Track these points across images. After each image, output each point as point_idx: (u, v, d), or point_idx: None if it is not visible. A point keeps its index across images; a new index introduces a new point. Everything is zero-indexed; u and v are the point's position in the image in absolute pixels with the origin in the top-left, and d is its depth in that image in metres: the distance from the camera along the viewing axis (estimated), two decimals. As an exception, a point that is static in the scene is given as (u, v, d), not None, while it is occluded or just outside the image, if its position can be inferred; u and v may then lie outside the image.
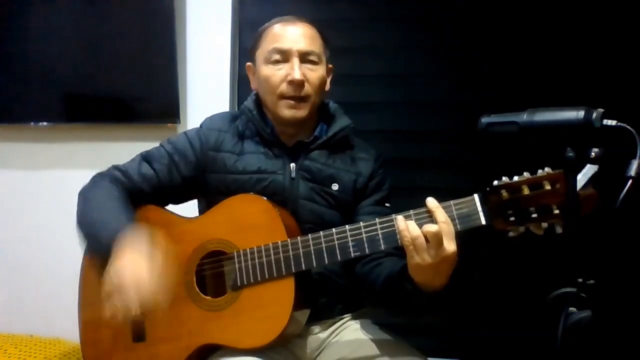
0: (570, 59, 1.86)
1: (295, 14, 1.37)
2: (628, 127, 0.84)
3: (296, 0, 2.01)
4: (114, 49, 1.97)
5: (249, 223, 1.21)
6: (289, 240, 1.16)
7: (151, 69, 1.96)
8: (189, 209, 1.40)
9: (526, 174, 1.00)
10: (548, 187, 0.96)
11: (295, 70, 1.27)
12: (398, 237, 1.07)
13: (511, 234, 1.02)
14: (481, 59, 1.94)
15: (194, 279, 1.24)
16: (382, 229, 1.10)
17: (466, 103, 1.92)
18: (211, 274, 1.25)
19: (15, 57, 1.99)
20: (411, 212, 1.07)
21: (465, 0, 1.95)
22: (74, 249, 1.35)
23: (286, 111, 1.29)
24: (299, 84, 1.27)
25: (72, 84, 2.00)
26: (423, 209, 1.06)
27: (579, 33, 1.85)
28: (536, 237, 1.01)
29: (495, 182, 1.02)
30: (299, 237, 1.16)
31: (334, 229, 1.14)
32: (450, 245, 1.01)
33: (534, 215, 0.98)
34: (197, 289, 1.23)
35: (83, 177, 1.35)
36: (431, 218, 1.04)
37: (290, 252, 1.16)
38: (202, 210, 1.39)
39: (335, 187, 1.32)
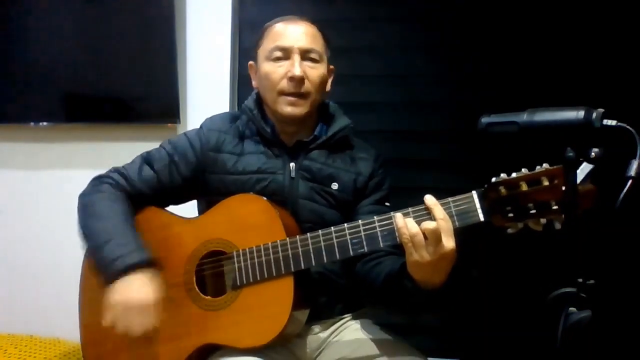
0: (570, 59, 1.86)
1: (296, 14, 1.37)
2: (628, 127, 0.84)
3: (296, 0, 2.01)
4: (114, 49, 1.97)
5: (249, 223, 1.21)
6: (288, 239, 1.16)
7: (151, 69, 1.96)
8: (189, 209, 1.40)
9: (524, 170, 1.00)
10: (546, 183, 0.97)
11: (296, 66, 1.27)
12: (397, 234, 1.07)
13: (510, 230, 1.02)
14: (481, 59, 1.94)
15: (194, 278, 1.24)
16: (380, 227, 1.10)
17: (466, 103, 1.92)
18: (211, 273, 1.25)
19: (15, 57, 1.99)
20: (410, 209, 1.07)
21: (465, 0, 1.95)
22: (74, 249, 1.35)
23: (285, 108, 1.29)
24: (299, 81, 1.27)
25: (72, 84, 2.00)
26: (421, 207, 1.06)
27: (579, 33, 1.85)
28: (536, 237, 1.01)
29: (494, 179, 1.02)
30: (297, 236, 1.16)
31: (332, 228, 1.14)
32: (448, 242, 1.01)
33: (533, 212, 0.98)
34: (197, 288, 1.23)
35: (83, 177, 1.35)
36: (430, 215, 1.04)
37: (290, 251, 1.16)
38: (201, 211, 1.39)
39: (335, 186, 1.32)
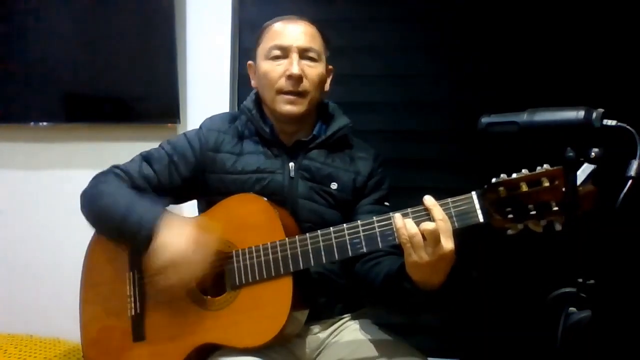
0: (570, 59, 1.86)
1: (296, 14, 1.37)
2: (628, 127, 0.84)
3: (296, 0, 2.01)
4: (114, 49, 1.97)
5: (248, 223, 1.21)
6: (287, 239, 1.16)
7: (151, 69, 1.95)
8: (189, 209, 1.40)
9: (524, 171, 1.00)
10: (547, 184, 0.96)
11: (294, 65, 1.27)
12: (396, 235, 1.07)
13: (510, 231, 1.02)
14: (481, 59, 1.94)
15: (194, 278, 1.24)
16: (379, 227, 1.10)
17: (466, 103, 1.92)
18: (210, 273, 1.25)
19: (15, 57, 1.99)
20: (409, 210, 1.07)
21: (465, 0, 1.95)
22: (74, 249, 1.36)
23: (284, 106, 1.29)
24: (297, 79, 1.28)
25: (72, 84, 2.00)
26: (421, 207, 1.06)
27: (579, 33, 1.85)
28: (536, 237, 1.01)
29: (494, 180, 1.02)
30: (297, 236, 1.16)
31: (331, 228, 1.14)
32: (447, 243, 1.01)
33: (533, 213, 0.98)
34: (196, 288, 1.23)
35: (83, 177, 1.35)
36: (429, 216, 1.04)
37: (289, 251, 1.16)
38: (201, 211, 1.39)
39: (334, 186, 1.32)
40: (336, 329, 1.33)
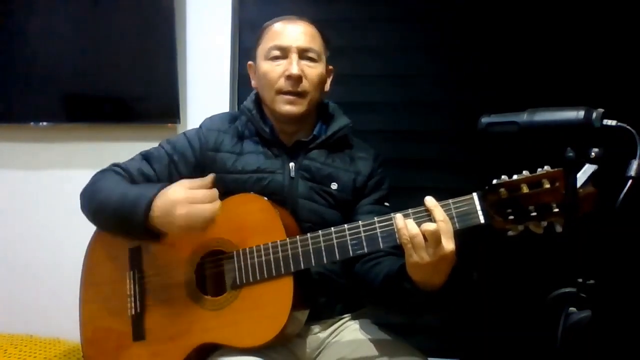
0: (570, 59, 1.86)
1: (296, 14, 1.37)
2: (628, 127, 0.84)
3: (296, 0, 2.01)
4: (114, 49, 1.96)
5: (249, 222, 1.21)
6: (287, 239, 1.16)
7: (151, 69, 1.95)
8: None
9: (525, 173, 1.00)
10: (547, 185, 0.96)
11: (293, 65, 1.27)
12: (397, 235, 1.07)
13: (510, 232, 1.02)
14: (481, 59, 1.93)
15: (194, 278, 1.24)
16: (380, 227, 1.10)
17: (466, 103, 1.92)
18: (211, 273, 1.25)
19: (16, 57, 1.99)
20: (410, 210, 1.07)
21: (465, 0, 1.95)
22: (74, 249, 1.36)
23: (283, 106, 1.29)
24: (296, 79, 1.28)
25: (72, 84, 1.99)
26: (422, 208, 1.06)
27: (579, 33, 1.85)
28: (536, 237, 1.01)
29: (495, 181, 1.02)
30: (297, 237, 1.16)
31: (332, 228, 1.14)
32: (448, 244, 1.01)
33: (533, 214, 0.98)
34: (197, 288, 1.23)
35: (83, 177, 1.35)
36: (430, 217, 1.04)
37: (289, 251, 1.16)
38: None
39: (334, 186, 1.32)
40: (336, 329, 1.33)
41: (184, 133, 1.38)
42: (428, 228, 1.02)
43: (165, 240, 1.22)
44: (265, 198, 1.23)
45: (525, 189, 0.98)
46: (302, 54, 1.30)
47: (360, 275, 1.28)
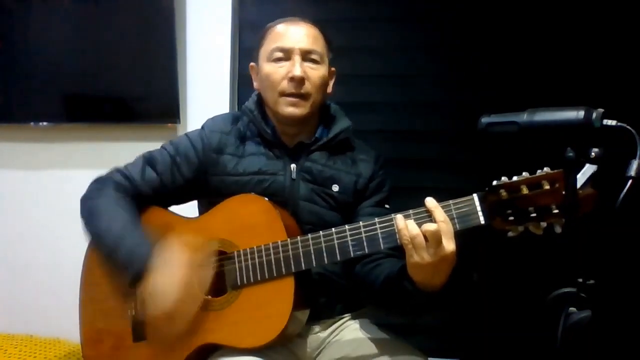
0: (570, 59, 1.86)
1: (296, 14, 1.37)
2: (628, 127, 0.84)
3: (296, 0, 2.01)
4: (114, 49, 1.96)
5: (250, 223, 1.21)
6: (288, 240, 1.16)
7: (151, 69, 1.95)
8: (190, 209, 1.40)
9: (525, 174, 1.00)
10: (547, 186, 0.96)
11: (296, 67, 1.27)
12: (397, 236, 1.07)
13: (510, 233, 1.02)
14: (481, 59, 1.94)
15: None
16: (381, 228, 1.10)
17: (466, 103, 1.92)
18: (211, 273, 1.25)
19: (16, 57, 1.99)
20: (410, 211, 1.07)
21: (465, 0, 1.95)
22: (74, 249, 1.35)
23: (286, 108, 1.29)
24: (299, 81, 1.27)
25: (72, 84, 2.00)
26: (422, 209, 1.06)
27: (579, 33, 1.85)
28: (535, 237, 1.01)
29: (495, 182, 1.02)
30: (298, 237, 1.16)
31: (333, 229, 1.14)
32: (449, 245, 1.01)
33: (533, 215, 0.98)
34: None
35: (83, 177, 1.35)
36: (430, 217, 1.04)
37: (290, 252, 1.16)
38: (202, 211, 1.39)
39: (335, 188, 1.32)
40: (336, 329, 1.33)
41: (186, 134, 1.38)
42: (429, 228, 1.02)
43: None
44: (266, 199, 1.23)
45: (525, 190, 0.98)
46: (305, 55, 1.29)
47: (360, 277, 1.28)
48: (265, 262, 1.17)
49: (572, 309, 0.82)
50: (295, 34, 1.30)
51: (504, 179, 1.01)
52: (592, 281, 0.82)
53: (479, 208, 1.03)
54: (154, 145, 1.39)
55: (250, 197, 1.25)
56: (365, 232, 1.11)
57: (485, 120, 0.96)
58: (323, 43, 1.33)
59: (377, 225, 1.10)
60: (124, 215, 1.26)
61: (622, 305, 1.67)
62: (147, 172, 1.32)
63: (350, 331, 1.32)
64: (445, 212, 1.04)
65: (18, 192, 2.08)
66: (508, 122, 0.93)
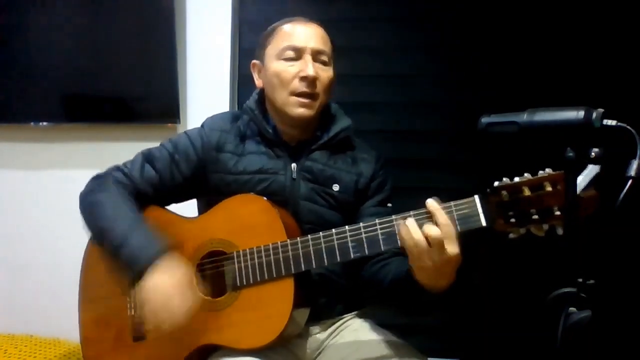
0: (570, 59, 1.86)
1: (296, 14, 1.37)
2: (628, 127, 0.84)
3: (296, 0, 2.01)
4: (114, 49, 1.97)
5: (249, 223, 1.21)
6: (288, 240, 1.16)
7: (151, 69, 1.96)
8: (190, 208, 1.40)
9: (527, 175, 0.99)
10: (549, 188, 0.96)
11: (309, 66, 1.27)
12: (398, 238, 1.07)
13: (511, 235, 1.01)
14: (481, 59, 1.94)
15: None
16: (382, 229, 1.09)
17: (466, 103, 1.92)
18: (211, 273, 1.25)
19: (16, 57, 1.99)
20: (411, 213, 1.07)
21: (465, 0, 1.95)
22: (74, 249, 1.35)
23: (296, 109, 1.28)
24: (312, 81, 1.27)
25: (72, 84, 2.00)
26: (423, 210, 1.05)
27: (579, 33, 1.85)
28: (536, 238, 1.00)
29: (496, 183, 1.01)
30: (298, 238, 1.16)
31: (333, 230, 1.13)
32: (452, 248, 1.01)
33: (535, 217, 0.97)
34: (197, 288, 1.23)
35: (83, 177, 1.35)
36: (431, 219, 1.04)
37: (290, 253, 1.15)
38: (201, 210, 1.39)
39: (336, 187, 1.32)
40: (336, 329, 1.33)
41: (186, 132, 1.37)
42: (431, 233, 1.01)
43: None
44: (265, 198, 1.23)
45: (527, 192, 0.97)
46: (316, 56, 1.29)
47: (368, 277, 1.28)
48: (264, 263, 1.17)
49: (572, 309, 0.81)
50: (307, 33, 1.30)
51: (505, 180, 1.00)
52: (592, 281, 0.82)
53: (480, 210, 1.02)
54: (154, 145, 1.39)
55: (249, 197, 1.25)
56: (366, 233, 1.11)
57: (485, 120, 0.96)
58: (330, 45, 1.33)
59: (378, 227, 1.10)
60: (128, 211, 1.26)
61: (622, 305, 1.67)
62: (146, 170, 1.32)
63: (350, 331, 1.32)
64: (446, 213, 1.03)
65: (18, 192, 2.08)
66: (508, 122, 0.92)
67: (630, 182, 0.81)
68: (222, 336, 1.19)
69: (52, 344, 1.87)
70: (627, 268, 1.71)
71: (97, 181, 1.33)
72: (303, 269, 1.15)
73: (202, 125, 1.38)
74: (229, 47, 1.99)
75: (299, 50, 1.28)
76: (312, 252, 1.14)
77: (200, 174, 1.32)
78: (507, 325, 1.84)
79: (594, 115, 0.85)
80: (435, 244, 1.01)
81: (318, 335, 1.31)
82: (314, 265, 1.15)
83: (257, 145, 1.33)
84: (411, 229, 1.03)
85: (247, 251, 1.19)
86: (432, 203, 1.04)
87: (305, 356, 1.30)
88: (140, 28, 1.96)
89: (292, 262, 1.15)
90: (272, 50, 1.32)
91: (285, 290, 1.15)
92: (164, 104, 1.96)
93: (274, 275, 1.16)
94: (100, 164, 1.38)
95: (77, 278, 1.35)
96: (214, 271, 1.24)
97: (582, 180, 0.89)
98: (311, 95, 1.28)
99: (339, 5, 2.01)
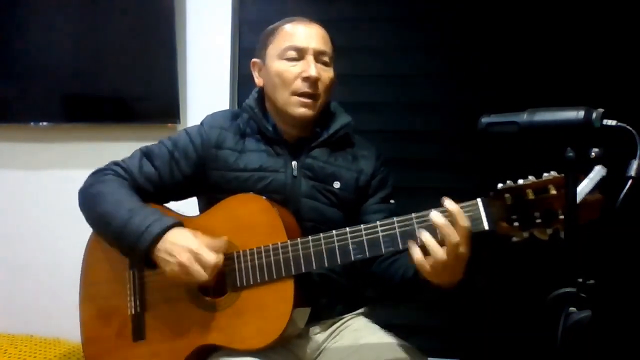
0: (570, 59, 1.86)
1: (296, 14, 1.37)
2: (628, 127, 0.83)
3: (296, 0, 2.01)
4: (114, 49, 1.97)
5: (249, 223, 1.21)
6: (288, 241, 1.16)
7: (151, 69, 1.96)
8: (190, 207, 1.40)
9: (531, 178, 0.98)
10: (554, 191, 0.95)
11: (312, 67, 1.27)
12: (399, 240, 1.07)
13: (515, 238, 1.00)
14: (481, 59, 1.94)
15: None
16: (382, 231, 1.09)
17: (466, 103, 1.92)
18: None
19: (16, 57, 1.99)
20: (413, 215, 1.07)
21: (465, 0, 1.95)
22: (74, 249, 1.36)
23: (298, 109, 1.29)
24: (314, 81, 1.27)
25: (72, 84, 2.00)
26: (422, 213, 1.05)
27: (579, 33, 1.85)
28: (536, 238, 1.00)
29: (499, 186, 1.00)
30: (299, 239, 1.16)
31: (334, 231, 1.13)
32: (464, 249, 1.01)
33: (539, 221, 0.96)
34: (197, 289, 1.23)
35: (83, 177, 1.35)
36: (429, 222, 1.03)
37: (290, 254, 1.15)
38: (202, 208, 1.39)
39: (337, 185, 1.32)
40: (336, 329, 1.33)
41: (185, 130, 1.37)
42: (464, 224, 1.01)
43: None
44: (264, 197, 1.22)
45: (530, 195, 0.96)
46: (317, 56, 1.29)
47: (378, 275, 1.27)
48: (265, 264, 1.17)
49: (572, 309, 0.81)
50: (309, 33, 1.30)
51: (509, 182, 0.99)
52: (592, 281, 0.82)
53: (483, 213, 1.01)
54: (154, 145, 1.39)
55: (249, 196, 1.24)
56: (366, 234, 1.10)
57: (485, 120, 0.95)
58: (331, 45, 1.34)
59: (379, 228, 1.09)
60: (130, 195, 1.27)
61: (622, 305, 1.67)
62: (144, 166, 1.32)
63: (350, 331, 1.32)
64: (447, 217, 1.03)
65: (18, 192, 2.08)
66: (508, 122, 0.92)
67: (630, 182, 0.81)
68: (222, 337, 1.19)
69: (52, 344, 1.87)
70: (627, 268, 1.71)
71: (96, 175, 1.33)
72: (303, 270, 1.15)
73: (202, 123, 1.38)
74: (229, 47, 1.99)
75: (301, 51, 1.29)
76: (312, 253, 1.14)
77: (200, 171, 1.32)
78: (507, 325, 1.84)
79: (594, 115, 0.85)
80: (462, 238, 1.01)
81: (318, 335, 1.31)
82: (314, 267, 1.15)
83: (257, 143, 1.33)
84: (429, 243, 1.02)
85: (247, 252, 1.19)
86: (450, 202, 1.03)
87: (306, 356, 1.30)
88: (140, 28, 1.96)
89: (292, 264, 1.15)
90: (273, 49, 1.32)
91: (285, 291, 1.15)
92: (164, 104, 1.96)
93: (274, 277, 1.16)
94: (100, 164, 1.37)
95: (77, 278, 1.35)
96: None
97: (588, 183, 0.88)
98: (313, 96, 1.28)
99: (339, 5, 2.01)
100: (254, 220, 1.21)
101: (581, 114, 0.85)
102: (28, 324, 1.98)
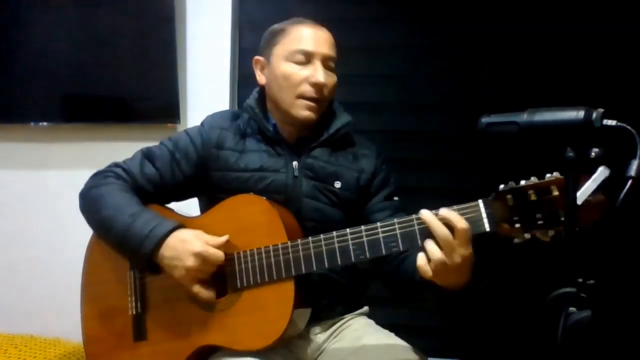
0: (570, 59, 1.86)
1: (296, 14, 1.37)
2: (628, 127, 0.83)
3: (296, 0, 2.01)
4: (114, 49, 1.97)
5: (250, 224, 1.21)
6: (289, 242, 1.16)
7: (151, 69, 1.96)
8: (191, 206, 1.40)
9: (533, 179, 0.97)
10: (556, 192, 0.94)
11: (320, 73, 1.27)
12: (400, 241, 1.07)
13: (516, 240, 0.99)
14: (481, 59, 1.94)
15: (195, 279, 1.24)
16: (383, 232, 1.09)
17: (466, 103, 1.92)
18: (212, 274, 1.25)
19: (16, 57, 1.99)
20: (413, 216, 1.07)
21: (465, 0, 1.95)
22: (75, 249, 1.36)
23: (303, 112, 1.28)
24: (321, 87, 1.28)
25: (72, 84, 2.00)
26: (416, 216, 1.05)
27: (578, 33, 1.85)
28: (536, 239, 1.00)
29: (501, 187, 0.99)
30: (299, 240, 1.16)
31: (334, 232, 1.13)
32: (467, 249, 1.01)
33: (541, 222, 0.95)
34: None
35: (83, 177, 1.35)
36: (425, 225, 1.03)
37: (291, 255, 1.15)
38: (202, 208, 1.39)
39: (338, 184, 1.32)
40: (337, 330, 1.33)
41: (186, 131, 1.37)
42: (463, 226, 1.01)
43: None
44: (265, 198, 1.22)
45: (532, 196, 0.96)
46: (325, 61, 1.29)
47: (388, 273, 1.27)
48: (265, 265, 1.17)
49: (572, 309, 0.81)
50: (318, 38, 1.30)
51: (510, 183, 0.99)
52: (592, 281, 0.81)
53: (484, 214, 1.01)
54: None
55: (250, 197, 1.24)
56: (367, 235, 1.10)
57: (485, 120, 0.95)
58: (336, 50, 1.34)
59: (379, 229, 1.09)
60: (132, 198, 1.27)
61: (622, 305, 1.67)
62: (145, 167, 1.32)
63: (350, 332, 1.32)
64: None
65: (18, 192, 2.08)
66: (508, 122, 0.92)
67: (630, 182, 0.81)
68: (223, 337, 1.19)
69: (52, 344, 1.87)
70: (627, 268, 1.71)
71: (97, 177, 1.33)
72: (304, 271, 1.15)
73: (202, 124, 1.37)
74: (229, 47, 1.99)
75: (309, 55, 1.28)
76: (312, 254, 1.14)
77: (201, 171, 1.32)
78: (507, 325, 1.84)
79: (594, 115, 0.85)
80: (460, 239, 1.01)
81: (319, 335, 1.31)
82: (314, 268, 1.14)
83: (257, 143, 1.33)
84: (432, 249, 1.02)
85: (248, 252, 1.19)
86: (443, 210, 1.03)
87: (306, 357, 1.30)
88: (140, 28, 1.95)
89: (292, 265, 1.15)
90: (280, 50, 1.31)
91: (285, 292, 1.15)
92: (164, 104, 1.96)
93: (275, 278, 1.16)
94: (100, 164, 1.38)
95: (78, 278, 1.35)
96: (215, 272, 1.24)
97: (591, 184, 0.87)
98: (318, 100, 1.29)
99: (339, 5, 2.01)
100: (255, 221, 1.21)
101: (581, 114, 0.85)
102: (28, 324, 1.98)
